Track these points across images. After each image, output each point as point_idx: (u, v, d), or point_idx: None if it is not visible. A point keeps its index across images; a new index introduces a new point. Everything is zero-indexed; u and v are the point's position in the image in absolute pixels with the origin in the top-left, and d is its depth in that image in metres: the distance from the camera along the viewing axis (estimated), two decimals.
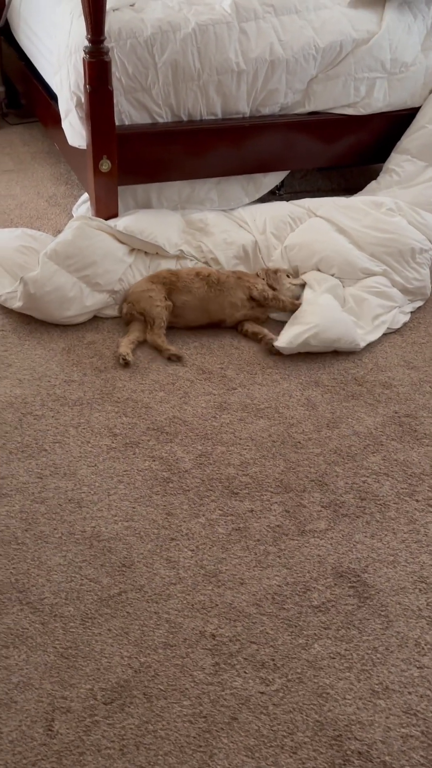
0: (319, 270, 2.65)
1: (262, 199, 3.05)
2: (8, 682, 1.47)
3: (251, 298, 2.50)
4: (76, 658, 1.52)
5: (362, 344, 2.43)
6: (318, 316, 2.42)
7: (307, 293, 2.55)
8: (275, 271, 2.61)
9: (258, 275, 2.61)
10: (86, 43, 2.47)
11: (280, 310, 2.53)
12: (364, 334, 2.46)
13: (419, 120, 3.05)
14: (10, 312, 2.53)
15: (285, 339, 2.38)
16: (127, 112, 2.72)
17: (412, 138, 3.04)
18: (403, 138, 3.08)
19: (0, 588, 1.65)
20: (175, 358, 2.36)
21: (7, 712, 1.42)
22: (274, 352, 2.40)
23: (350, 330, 2.42)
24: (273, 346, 2.39)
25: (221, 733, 1.41)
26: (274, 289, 2.56)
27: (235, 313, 2.50)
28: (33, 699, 1.45)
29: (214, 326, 2.53)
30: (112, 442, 2.05)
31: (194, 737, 1.40)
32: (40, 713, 1.42)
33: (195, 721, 1.42)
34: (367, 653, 1.56)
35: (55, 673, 1.49)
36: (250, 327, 2.49)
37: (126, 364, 2.32)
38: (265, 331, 2.47)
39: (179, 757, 1.37)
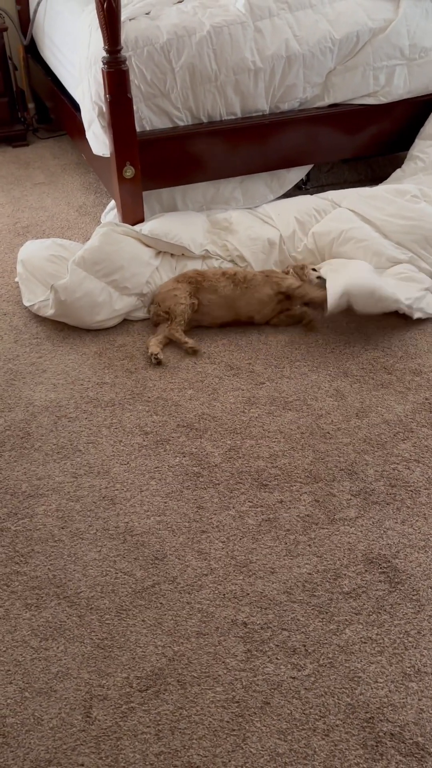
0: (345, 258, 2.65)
1: (288, 195, 3.07)
2: (48, 672, 1.53)
3: (280, 292, 2.52)
4: (112, 648, 1.57)
5: (405, 301, 2.41)
6: (351, 269, 2.47)
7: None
8: (302, 267, 2.63)
9: (286, 272, 2.63)
10: (104, 53, 2.54)
11: (308, 300, 2.54)
12: (405, 294, 2.45)
13: None
14: (43, 320, 2.61)
15: (328, 299, 2.41)
16: (147, 118, 2.77)
17: None
18: (426, 123, 3.05)
19: (39, 584, 1.71)
20: (192, 351, 2.41)
21: (47, 701, 1.48)
22: (314, 327, 2.47)
23: (386, 284, 2.42)
24: (311, 321, 2.47)
25: (254, 717, 1.43)
26: (303, 280, 2.59)
27: (263, 309, 2.52)
28: (72, 688, 1.50)
29: (244, 324, 2.55)
30: (144, 440, 2.10)
31: (227, 722, 1.43)
32: (79, 701, 1.47)
33: (228, 707, 1.45)
34: (399, 637, 1.56)
35: (93, 663, 1.54)
36: (287, 313, 2.51)
37: (158, 363, 2.37)
38: (301, 309, 2.51)
39: (213, 741, 1.40)
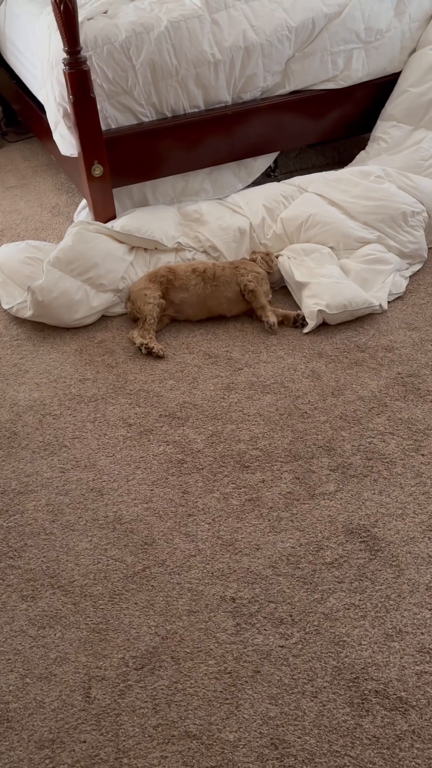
0: (313, 242, 2.71)
1: (257, 183, 3.12)
2: (47, 658, 1.59)
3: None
4: (107, 631, 1.63)
5: (376, 302, 2.48)
6: (322, 287, 2.49)
7: (305, 267, 2.62)
8: (267, 254, 2.67)
9: (254, 259, 2.66)
10: (64, 55, 2.57)
11: (257, 308, 2.53)
12: (373, 293, 2.52)
13: (401, 84, 3.07)
14: (23, 322, 2.65)
15: (309, 324, 2.48)
16: (112, 116, 2.81)
17: (395, 103, 3.07)
18: (387, 105, 3.11)
19: (33, 576, 1.77)
20: (156, 356, 2.41)
21: (48, 685, 1.54)
22: (304, 327, 2.49)
23: (357, 292, 2.48)
24: (298, 314, 2.49)
25: (246, 686, 1.50)
26: (271, 270, 2.63)
27: (233, 308, 2.57)
28: (70, 671, 1.56)
29: (217, 319, 2.60)
30: (128, 432, 2.16)
31: (221, 691, 1.50)
32: (78, 683, 1.54)
33: (221, 678, 1.52)
34: (381, 601, 1.63)
35: (89, 647, 1.61)
36: (271, 316, 2.51)
37: (149, 352, 2.41)
38: (281, 312, 2.52)
39: (208, 710, 1.47)
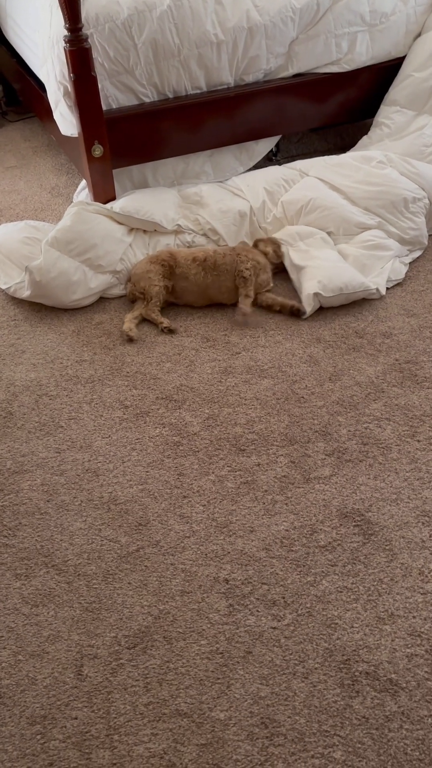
0: (314, 227, 2.70)
1: (258, 166, 3.10)
2: (39, 636, 1.60)
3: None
4: (100, 610, 1.64)
5: (372, 286, 2.47)
6: (319, 270, 2.49)
7: (302, 251, 2.61)
8: (274, 243, 2.65)
9: (256, 246, 2.64)
10: (65, 32, 2.54)
11: (240, 294, 2.51)
12: (372, 278, 2.51)
13: (405, 69, 3.04)
14: (20, 302, 2.64)
15: (304, 303, 2.47)
16: (113, 96, 2.79)
17: (399, 88, 3.04)
18: (390, 89, 3.08)
19: (27, 554, 1.77)
20: (167, 331, 2.45)
21: (40, 662, 1.55)
22: (299, 311, 2.46)
23: (354, 275, 2.47)
24: (293, 306, 2.46)
25: (237, 666, 1.51)
26: (279, 259, 2.60)
27: (233, 296, 2.55)
28: (63, 649, 1.57)
29: (215, 304, 2.58)
30: (124, 414, 2.16)
31: (212, 671, 1.50)
32: (70, 660, 1.55)
33: (212, 658, 1.53)
34: (373, 585, 1.64)
35: (82, 626, 1.61)
36: (267, 300, 2.51)
37: (130, 340, 2.42)
38: (280, 300, 2.51)
39: (199, 689, 1.47)
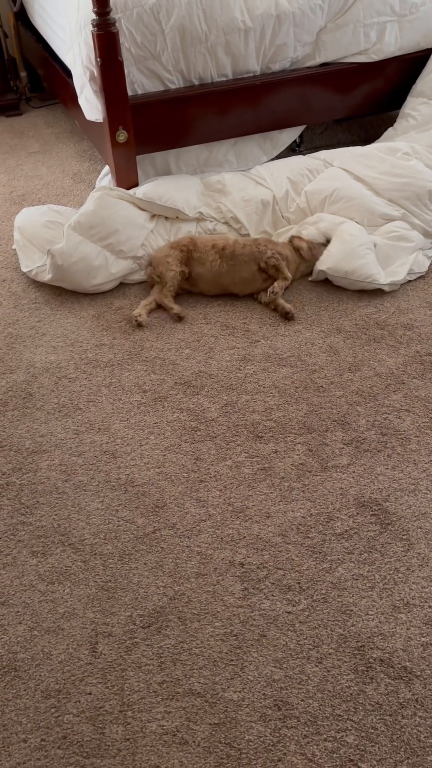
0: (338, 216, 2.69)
1: (281, 157, 3.08)
2: (55, 612, 1.61)
3: (261, 269, 2.50)
4: (116, 590, 1.65)
5: (381, 280, 2.47)
6: (337, 247, 2.51)
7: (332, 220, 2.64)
8: (310, 243, 2.58)
9: (292, 242, 2.57)
10: (93, 16, 2.54)
11: (282, 278, 2.50)
12: (393, 268, 2.51)
13: None
14: (41, 285, 2.65)
15: (313, 275, 2.56)
16: (139, 82, 2.79)
17: (427, 80, 3.02)
18: (418, 81, 3.06)
19: (44, 533, 1.78)
20: (177, 318, 2.44)
21: (55, 638, 1.56)
22: (290, 318, 2.43)
23: (366, 264, 2.46)
24: (288, 312, 2.43)
25: (251, 648, 1.51)
26: (314, 255, 2.56)
27: (246, 288, 2.53)
28: (78, 626, 1.58)
29: (229, 296, 2.57)
30: (142, 398, 2.16)
31: (226, 653, 1.51)
32: (85, 638, 1.56)
33: (227, 640, 1.53)
34: (389, 573, 1.63)
35: (97, 604, 1.62)
36: (263, 298, 2.50)
37: (139, 325, 2.42)
38: (280, 300, 2.47)
39: (213, 670, 1.48)
